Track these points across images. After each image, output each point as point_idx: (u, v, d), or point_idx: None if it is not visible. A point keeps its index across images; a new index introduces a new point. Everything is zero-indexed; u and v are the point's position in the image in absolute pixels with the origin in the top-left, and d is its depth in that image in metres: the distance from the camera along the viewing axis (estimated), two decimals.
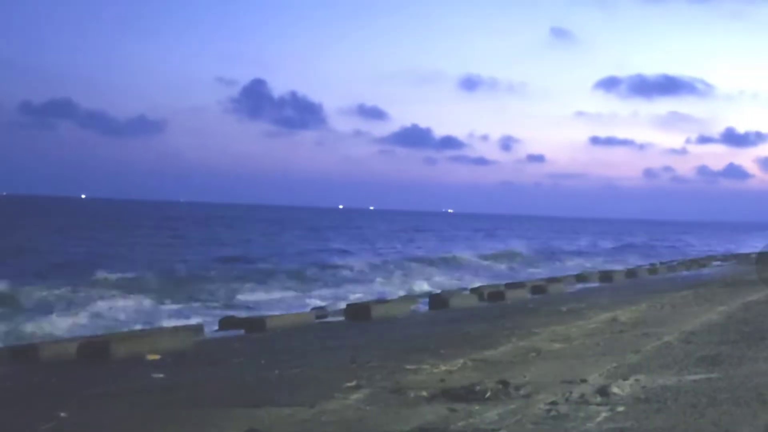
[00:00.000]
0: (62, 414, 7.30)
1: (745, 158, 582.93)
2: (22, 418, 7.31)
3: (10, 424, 7.17)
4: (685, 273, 34.23)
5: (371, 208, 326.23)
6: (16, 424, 7.09)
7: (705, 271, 35.35)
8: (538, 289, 24.48)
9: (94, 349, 11.15)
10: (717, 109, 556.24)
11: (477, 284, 28.62)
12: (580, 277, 30.96)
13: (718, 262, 43.66)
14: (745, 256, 46.21)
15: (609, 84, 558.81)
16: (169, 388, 8.72)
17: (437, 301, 20.08)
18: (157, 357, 10.96)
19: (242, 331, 15.04)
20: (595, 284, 28.57)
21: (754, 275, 26.00)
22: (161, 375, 9.62)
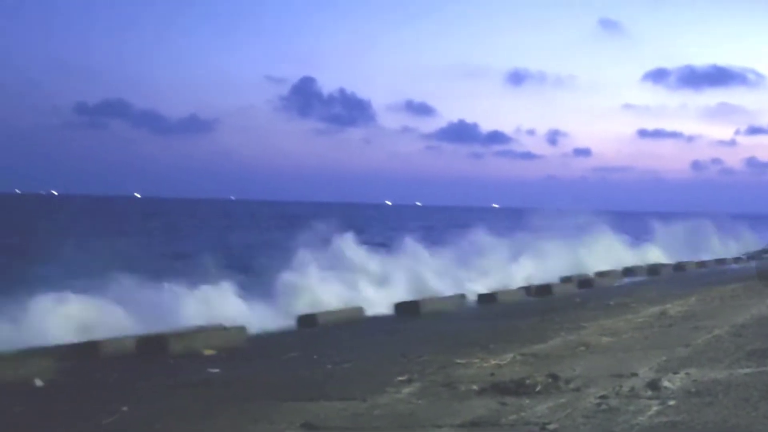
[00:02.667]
0: (124, 408, 7.51)
1: None
2: (86, 412, 7.54)
3: (74, 418, 7.39)
4: (734, 266, 33.77)
5: (418, 203, 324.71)
6: (80, 418, 7.30)
7: (754, 263, 34.83)
8: (585, 282, 24.40)
9: (153, 345, 11.43)
10: None
11: None
12: (627, 271, 30.72)
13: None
14: None
15: (657, 76, 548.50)
16: (225, 382, 8.92)
17: (485, 296, 20.13)
18: (213, 352, 11.20)
19: (294, 326, 15.31)
20: (643, 278, 28.35)
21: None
22: (217, 370, 9.83)
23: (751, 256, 39.88)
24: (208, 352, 11.21)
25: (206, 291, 16.99)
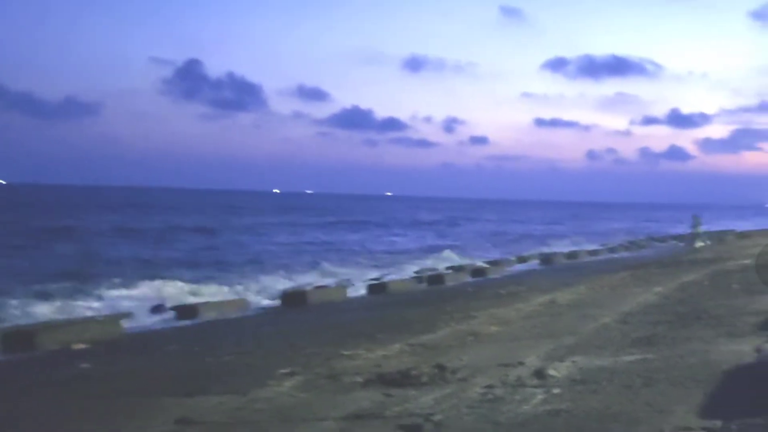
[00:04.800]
0: None
1: (688, 139, 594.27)
2: None
3: None
4: (624, 254, 34.72)
5: (308, 191, 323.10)
6: None
7: (644, 252, 35.88)
8: (478, 272, 24.59)
9: (18, 339, 10.84)
10: (665, 89, 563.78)
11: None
12: (521, 259, 31.21)
13: (658, 243, 44.43)
14: (681, 238, 47.05)
15: (557, 65, 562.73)
16: (96, 378, 8.51)
17: (375, 286, 20.02)
18: (83, 346, 10.70)
19: (174, 318, 14.88)
20: (536, 266, 28.81)
21: (692, 256, 26.40)
22: (88, 365, 9.37)
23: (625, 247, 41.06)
24: (78, 346, 10.69)
25: None
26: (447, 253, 36.16)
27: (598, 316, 11.22)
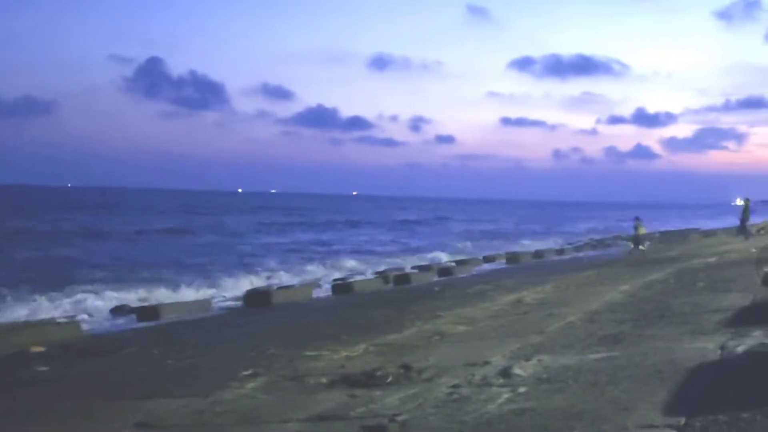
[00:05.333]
0: None
1: (654, 139, 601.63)
2: None
3: None
4: (591, 253, 34.91)
5: (273, 191, 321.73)
6: None
7: (610, 250, 36.10)
8: (444, 271, 24.58)
9: None
10: (631, 89, 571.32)
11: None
12: (488, 259, 31.26)
13: (624, 242, 44.78)
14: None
15: (523, 64, 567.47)
16: (54, 381, 8.36)
17: (341, 285, 19.92)
18: (41, 349, 10.51)
19: (135, 319, 14.67)
20: (503, 266, 28.87)
21: (657, 254, 26.58)
22: (46, 368, 9.23)
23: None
24: (36, 349, 10.49)
25: None
26: (417, 253, 36.25)
27: (564, 314, 11.20)
